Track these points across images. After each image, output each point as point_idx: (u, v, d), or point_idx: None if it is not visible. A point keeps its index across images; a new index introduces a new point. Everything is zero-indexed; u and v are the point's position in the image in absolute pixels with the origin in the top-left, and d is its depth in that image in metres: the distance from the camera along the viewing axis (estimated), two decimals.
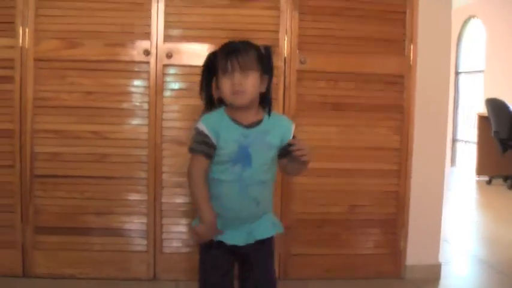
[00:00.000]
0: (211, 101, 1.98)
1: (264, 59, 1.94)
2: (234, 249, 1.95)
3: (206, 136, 1.89)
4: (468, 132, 8.62)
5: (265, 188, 1.97)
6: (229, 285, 2.00)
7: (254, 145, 1.89)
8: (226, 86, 1.88)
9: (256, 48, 1.94)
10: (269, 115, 1.97)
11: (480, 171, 7.22)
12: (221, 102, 1.96)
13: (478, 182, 7.08)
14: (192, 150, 1.93)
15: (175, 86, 2.90)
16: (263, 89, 1.95)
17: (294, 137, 1.97)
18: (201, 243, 2.00)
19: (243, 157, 1.89)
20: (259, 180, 1.92)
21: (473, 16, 8.57)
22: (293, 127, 1.99)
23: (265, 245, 1.99)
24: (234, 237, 1.94)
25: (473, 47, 8.69)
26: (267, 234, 1.97)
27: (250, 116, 1.93)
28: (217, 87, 1.94)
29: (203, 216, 1.90)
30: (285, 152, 1.95)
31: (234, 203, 1.91)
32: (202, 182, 1.92)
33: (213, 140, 1.88)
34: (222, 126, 1.90)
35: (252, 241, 1.94)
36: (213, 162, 1.92)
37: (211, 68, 1.95)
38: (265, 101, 1.98)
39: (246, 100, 1.89)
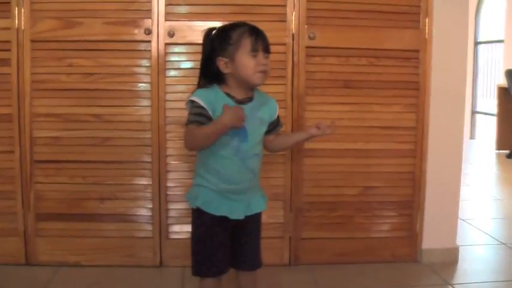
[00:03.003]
0: (218, 76, 1.96)
1: None
2: (233, 225, 2.00)
3: (203, 108, 1.90)
4: (488, 104, 8.41)
5: (259, 160, 2.04)
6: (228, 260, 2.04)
7: (249, 120, 1.92)
8: (250, 64, 1.90)
9: None
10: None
11: (500, 144, 7.03)
12: (213, 78, 1.97)
13: (498, 155, 6.91)
14: (189, 122, 1.91)
15: (178, 65, 2.78)
16: None
17: (278, 116, 2.09)
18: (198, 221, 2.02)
19: (240, 131, 1.91)
20: (254, 153, 1.99)
21: None
22: (277, 107, 2.10)
23: (258, 219, 2.09)
24: (235, 211, 1.98)
25: (493, 16, 8.42)
26: (261, 207, 2.07)
27: (243, 93, 1.98)
28: (231, 63, 1.92)
29: (222, 117, 1.84)
30: (271, 129, 2.07)
31: (234, 176, 1.96)
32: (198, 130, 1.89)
33: (210, 112, 1.90)
34: (218, 100, 1.92)
35: (249, 213, 2.01)
36: None
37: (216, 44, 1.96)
38: None
39: (264, 80, 1.96)
